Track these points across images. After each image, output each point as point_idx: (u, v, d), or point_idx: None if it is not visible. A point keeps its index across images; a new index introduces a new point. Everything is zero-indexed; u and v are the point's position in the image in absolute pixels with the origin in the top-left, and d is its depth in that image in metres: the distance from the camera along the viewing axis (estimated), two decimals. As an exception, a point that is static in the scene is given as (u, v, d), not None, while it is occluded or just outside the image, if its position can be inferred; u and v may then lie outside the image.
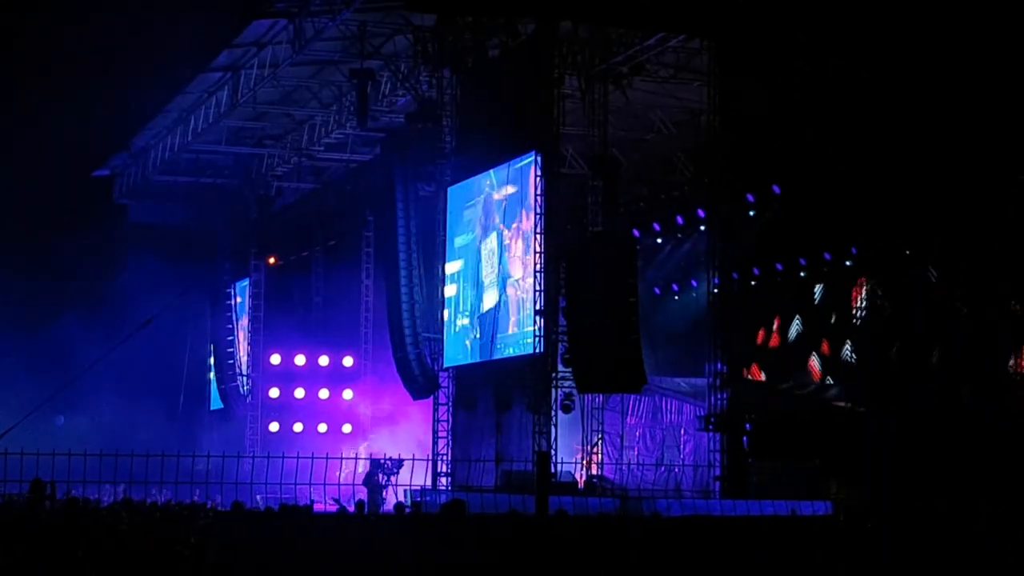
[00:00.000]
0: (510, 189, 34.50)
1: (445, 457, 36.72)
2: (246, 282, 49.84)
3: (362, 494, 34.65)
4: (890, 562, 19.61)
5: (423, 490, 34.32)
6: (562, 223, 35.19)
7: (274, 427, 48.57)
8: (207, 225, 50.17)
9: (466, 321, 36.50)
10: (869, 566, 19.67)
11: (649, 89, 36.70)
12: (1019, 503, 26.27)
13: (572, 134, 36.78)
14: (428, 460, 36.14)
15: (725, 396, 32.60)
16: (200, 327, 51.62)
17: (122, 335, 40.53)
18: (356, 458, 43.05)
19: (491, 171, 35.33)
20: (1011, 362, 31.60)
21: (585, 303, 32.34)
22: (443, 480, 36.35)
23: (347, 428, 48.67)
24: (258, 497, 34.53)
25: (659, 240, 43.10)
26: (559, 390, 33.19)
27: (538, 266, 32.99)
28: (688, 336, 40.30)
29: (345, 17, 35.05)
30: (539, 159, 33.24)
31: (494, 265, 35.33)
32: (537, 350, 32.74)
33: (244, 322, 49.93)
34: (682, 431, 36.50)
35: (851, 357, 37.62)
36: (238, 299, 50.25)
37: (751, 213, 37.84)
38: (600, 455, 36.15)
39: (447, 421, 37.02)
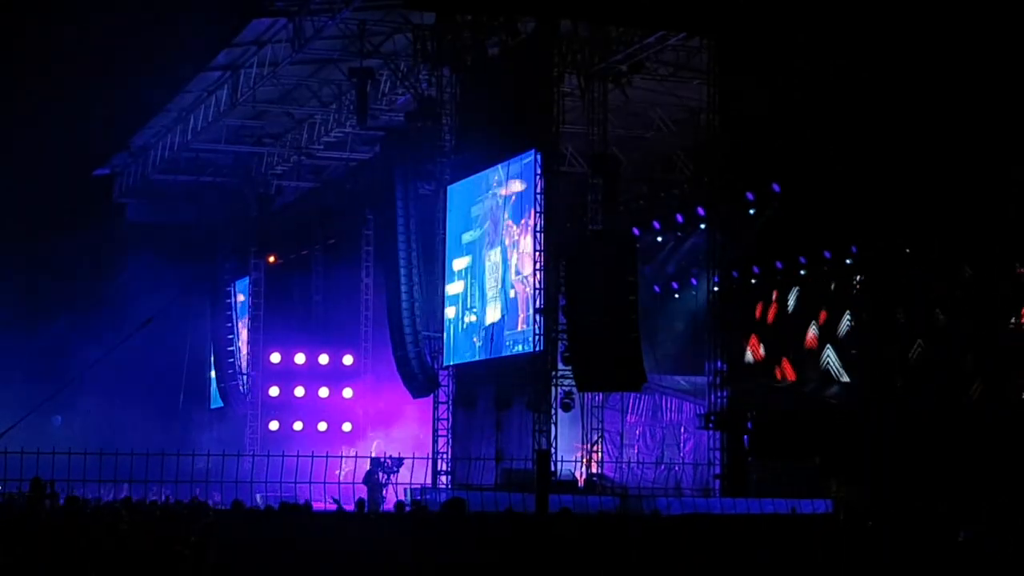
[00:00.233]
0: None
1: (445, 455, 36.74)
2: (246, 281, 49.82)
3: (362, 492, 34.64)
4: (890, 561, 19.58)
5: (423, 488, 34.34)
6: (562, 221, 35.19)
7: (274, 426, 48.58)
8: (207, 224, 50.14)
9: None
10: (869, 565, 19.64)
11: (649, 87, 36.76)
12: (1019, 502, 26.25)
13: (572, 132, 36.80)
14: (428, 459, 36.16)
15: (725, 394, 32.63)
16: (200, 326, 51.55)
17: (122, 335, 40.53)
18: (356, 457, 43.00)
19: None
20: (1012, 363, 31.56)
21: (585, 301, 32.34)
22: (443, 479, 36.36)
23: (347, 426, 48.70)
24: (258, 496, 34.50)
25: (659, 238, 43.03)
26: (559, 388, 33.19)
27: (538, 264, 33.00)
28: (688, 334, 40.30)
29: (344, 16, 35.07)
30: (539, 157, 33.21)
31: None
32: (537, 348, 32.75)
33: (244, 321, 49.93)
34: (682, 429, 36.47)
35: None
36: (238, 298, 50.21)
37: (751, 212, 37.79)
38: (600, 453, 36.15)
39: (447, 419, 37.03)
